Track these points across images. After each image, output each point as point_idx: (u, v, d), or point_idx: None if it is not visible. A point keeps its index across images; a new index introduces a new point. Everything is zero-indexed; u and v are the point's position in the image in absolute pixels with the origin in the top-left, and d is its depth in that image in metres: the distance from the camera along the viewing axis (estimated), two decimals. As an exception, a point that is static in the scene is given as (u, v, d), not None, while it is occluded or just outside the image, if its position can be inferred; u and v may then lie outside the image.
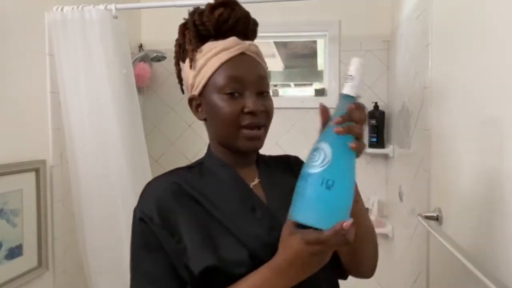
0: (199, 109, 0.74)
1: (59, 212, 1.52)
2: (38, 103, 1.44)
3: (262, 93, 0.72)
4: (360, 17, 2.06)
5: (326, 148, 0.54)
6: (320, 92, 2.14)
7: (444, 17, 1.18)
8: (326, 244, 0.52)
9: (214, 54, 0.69)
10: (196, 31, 0.72)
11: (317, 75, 2.47)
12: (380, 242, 2.18)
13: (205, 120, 0.74)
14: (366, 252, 0.73)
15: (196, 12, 0.73)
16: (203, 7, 0.74)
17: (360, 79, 0.57)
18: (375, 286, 2.09)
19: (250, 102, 0.68)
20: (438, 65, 1.22)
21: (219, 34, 0.72)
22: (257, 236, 0.65)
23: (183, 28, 0.75)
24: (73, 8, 1.46)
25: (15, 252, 1.31)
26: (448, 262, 1.08)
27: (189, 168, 0.75)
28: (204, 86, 0.71)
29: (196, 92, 0.72)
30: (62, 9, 1.46)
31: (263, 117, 0.71)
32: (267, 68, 0.77)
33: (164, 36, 2.37)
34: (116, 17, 1.50)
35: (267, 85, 0.74)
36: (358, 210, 0.64)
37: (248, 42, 0.73)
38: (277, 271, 0.57)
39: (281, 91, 2.43)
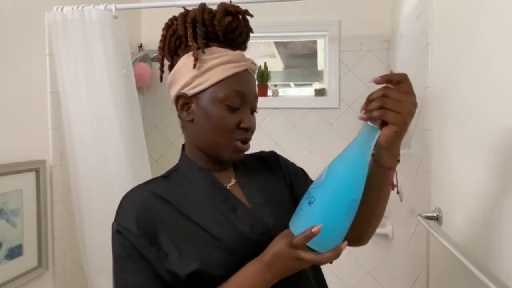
0: (186, 109, 0.72)
1: (59, 212, 1.52)
2: (38, 103, 1.44)
3: (253, 112, 0.75)
4: (360, 17, 2.06)
5: (326, 169, 0.60)
6: (320, 92, 2.14)
7: (444, 17, 1.18)
8: (298, 247, 0.58)
9: (223, 62, 0.69)
10: (205, 31, 0.71)
11: (317, 75, 2.47)
12: (380, 242, 2.19)
13: (191, 121, 0.72)
14: (376, 223, 0.77)
15: (206, 11, 0.71)
16: (210, 6, 0.73)
17: None
18: (375, 286, 2.09)
19: (247, 119, 0.71)
20: (438, 65, 1.22)
21: (224, 40, 0.72)
22: (240, 235, 0.67)
23: (186, 18, 0.71)
24: (73, 8, 1.45)
25: (15, 252, 1.31)
26: (448, 262, 1.08)
27: (165, 176, 0.75)
28: (202, 90, 0.70)
29: (190, 92, 0.70)
30: (62, 9, 1.46)
31: (251, 132, 0.74)
32: None
33: (164, 36, 2.37)
34: (116, 17, 1.50)
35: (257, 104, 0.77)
36: (385, 193, 0.70)
37: (250, 60, 0.74)
38: (265, 264, 0.62)
39: (281, 91, 2.43)
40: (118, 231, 0.65)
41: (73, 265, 1.60)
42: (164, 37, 0.75)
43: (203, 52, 0.69)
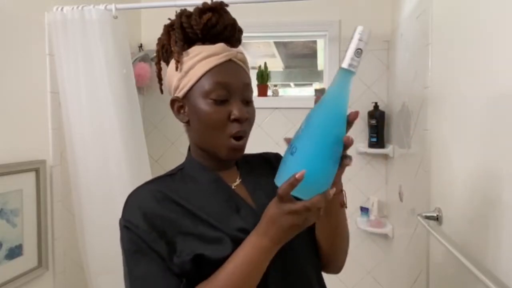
0: (182, 111, 0.74)
1: (59, 212, 1.52)
2: (38, 103, 1.44)
3: (247, 102, 0.73)
4: (360, 17, 2.06)
5: (303, 121, 0.58)
6: (320, 92, 2.14)
7: (444, 17, 1.18)
8: (284, 199, 0.56)
9: (202, 58, 0.70)
10: (183, 34, 0.73)
11: (317, 75, 2.47)
12: (380, 242, 2.19)
13: (187, 123, 0.74)
14: (343, 245, 0.79)
15: (184, 14, 0.73)
16: (190, 9, 0.75)
17: (363, 55, 0.57)
18: (375, 286, 2.09)
19: (236, 109, 0.69)
20: (438, 65, 1.22)
21: (206, 38, 0.74)
22: (243, 230, 0.67)
23: (168, 28, 0.75)
24: (73, 8, 1.45)
25: (15, 252, 1.31)
26: (448, 262, 1.08)
27: (170, 175, 0.75)
28: (189, 89, 0.71)
29: (180, 94, 0.72)
30: (62, 9, 1.46)
31: (246, 124, 0.72)
32: (250, 77, 0.79)
33: (164, 36, 2.37)
34: (116, 17, 1.50)
35: (252, 93, 0.75)
36: (342, 213, 0.73)
37: (235, 50, 0.74)
38: (259, 233, 0.60)
39: (281, 91, 2.44)
40: (126, 227, 0.66)
41: (73, 265, 1.60)
42: (157, 52, 0.79)
43: (181, 54, 0.71)
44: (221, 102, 0.69)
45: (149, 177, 1.70)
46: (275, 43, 2.52)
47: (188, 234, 0.65)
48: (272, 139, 2.13)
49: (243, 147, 0.73)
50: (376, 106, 1.96)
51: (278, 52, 2.66)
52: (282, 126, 2.14)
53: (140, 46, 2.19)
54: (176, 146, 2.22)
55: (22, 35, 1.36)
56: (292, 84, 2.90)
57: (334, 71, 2.09)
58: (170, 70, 0.75)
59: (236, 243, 0.65)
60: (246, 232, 0.66)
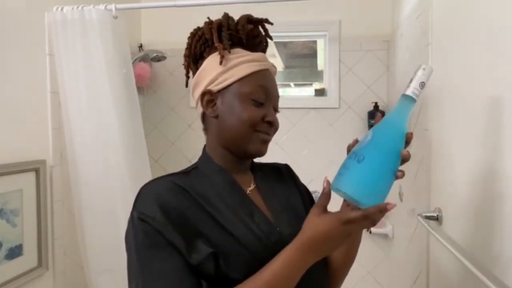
0: (211, 106, 0.74)
1: (59, 212, 1.52)
2: (38, 103, 1.44)
3: (275, 111, 0.78)
4: (360, 17, 2.06)
5: (371, 132, 0.62)
6: (320, 92, 2.14)
7: (444, 17, 1.18)
8: (367, 215, 0.56)
9: (247, 60, 0.73)
10: (230, 34, 0.75)
11: (317, 75, 2.47)
12: (380, 242, 2.19)
13: (215, 117, 0.74)
14: (348, 268, 0.83)
15: (230, 18, 0.77)
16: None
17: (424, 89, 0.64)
18: (375, 286, 2.09)
19: (271, 113, 0.74)
20: (438, 65, 1.22)
21: (247, 45, 0.77)
22: (256, 239, 0.66)
23: (210, 25, 0.76)
24: (73, 8, 1.46)
25: (15, 252, 1.31)
26: (448, 262, 1.08)
27: (184, 173, 0.74)
28: (228, 86, 0.72)
29: (216, 88, 0.73)
30: (62, 9, 1.46)
31: (273, 130, 0.77)
32: None
33: (164, 36, 2.37)
34: (116, 17, 1.50)
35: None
36: (355, 245, 0.79)
37: (271, 63, 0.78)
38: (300, 248, 0.59)
39: (281, 91, 2.43)
40: (141, 219, 0.62)
41: (73, 265, 1.60)
42: (189, 45, 0.79)
43: (229, 52, 0.73)
44: (259, 104, 0.72)
45: (149, 177, 1.70)
46: (275, 43, 2.51)
47: (203, 234, 0.63)
48: (273, 139, 2.13)
49: (269, 141, 0.76)
50: (376, 106, 1.96)
51: (278, 52, 2.66)
52: (282, 126, 2.10)
53: (140, 46, 2.19)
54: (176, 146, 2.22)
55: (22, 35, 1.36)
56: (292, 84, 2.90)
57: (334, 71, 2.09)
58: (207, 65, 0.75)
59: (248, 248, 0.64)
60: (258, 237, 0.66)
